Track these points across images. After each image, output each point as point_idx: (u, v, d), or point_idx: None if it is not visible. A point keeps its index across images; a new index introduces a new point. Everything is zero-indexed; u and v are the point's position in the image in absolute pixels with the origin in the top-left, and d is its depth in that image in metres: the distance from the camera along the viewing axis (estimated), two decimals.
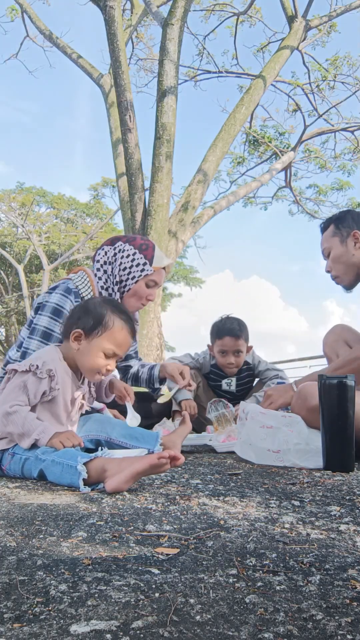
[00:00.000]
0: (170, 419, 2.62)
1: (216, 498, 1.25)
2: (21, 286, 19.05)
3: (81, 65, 10.17)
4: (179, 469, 1.71)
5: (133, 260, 2.24)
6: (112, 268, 2.24)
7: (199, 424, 2.83)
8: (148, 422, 2.42)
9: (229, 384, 2.90)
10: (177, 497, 1.26)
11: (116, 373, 2.63)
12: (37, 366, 1.57)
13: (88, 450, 1.58)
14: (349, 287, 2.30)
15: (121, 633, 0.57)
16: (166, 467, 1.35)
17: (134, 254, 2.24)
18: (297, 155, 11.47)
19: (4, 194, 18.93)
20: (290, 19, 8.98)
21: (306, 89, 10.85)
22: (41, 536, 0.93)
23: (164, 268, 2.32)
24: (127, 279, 2.24)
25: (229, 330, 2.78)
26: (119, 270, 2.23)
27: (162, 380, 2.49)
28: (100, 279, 2.25)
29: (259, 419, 1.83)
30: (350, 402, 1.64)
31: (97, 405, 2.07)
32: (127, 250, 2.25)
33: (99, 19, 7.00)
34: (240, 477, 1.54)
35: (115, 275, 2.23)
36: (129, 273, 2.23)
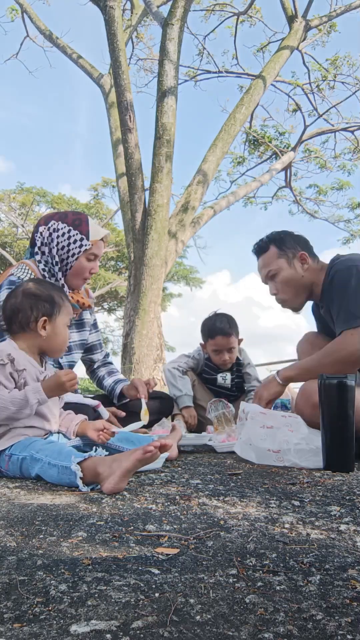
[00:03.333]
0: (170, 420, 2.63)
1: (216, 498, 1.25)
2: None
3: (81, 65, 10.17)
4: (179, 469, 1.71)
5: (69, 237, 2.21)
6: (50, 249, 2.22)
7: (199, 424, 2.83)
8: (151, 418, 2.43)
9: (224, 377, 2.92)
10: (177, 497, 1.26)
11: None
12: None
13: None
14: (297, 309, 2.28)
15: (121, 633, 0.57)
16: (154, 457, 1.39)
17: (69, 231, 2.22)
18: (297, 155, 11.47)
19: (4, 194, 18.95)
20: (290, 19, 8.98)
21: (306, 89, 10.85)
22: (41, 536, 0.93)
23: (102, 239, 2.29)
24: (67, 257, 2.22)
25: (220, 330, 2.80)
26: (57, 250, 2.21)
27: (120, 398, 2.49)
28: (40, 262, 2.22)
29: (259, 419, 1.83)
30: (350, 402, 1.64)
31: (92, 402, 2.07)
32: (62, 228, 2.23)
33: (99, 19, 7.01)
34: (240, 477, 1.54)
35: (54, 255, 2.21)
36: (68, 251, 2.21)
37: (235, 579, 0.74)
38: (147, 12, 9.84)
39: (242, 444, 1.88)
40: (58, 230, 2.23)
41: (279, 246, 2.22)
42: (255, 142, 12.17)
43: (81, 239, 2.22)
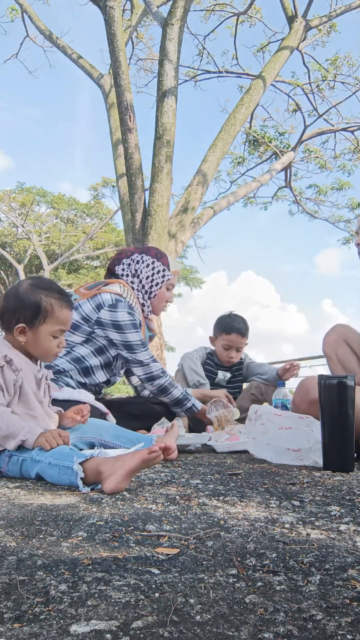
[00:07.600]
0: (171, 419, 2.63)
1: (216, 498, 1.25)
2: None
3: (81, 65, 10.16)
4: (179, 469, 1.71)
5: (153, 268, 2.52)
6: (139, 279, 2.51)
7: (199, 424, 2.84)
8: (151, 422, 2.43)
9: (225, 375, 3.07)
10: (177, 497, 1.26)
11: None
12: None
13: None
14: None
15: (121, 633, 0.57)
16: (159, 458, 1.37)
17: (153, 262, 2.52)
18: (297, 155, 11.47)
19: (4, 194, 18.95)
20: (290, 19, 8.97)
21: (306, 89, 10.85)
22: (41, 536, 0.93)
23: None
24: (152, 286, 2.52)
25: (237, 328, 2.99)
26: (144, 279, 2.51)
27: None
28: (134, 290, 2.52)
29: (275, 421, 1.82)
30: (350, 402, 1.64)
31: (103, 408, 2.07)
32: (146, 260, 2.53)
33: (99, 19, 7.01)
34: (240, 477, 1.54)
35: (143, 285, 2.51)
36: (152, 280, 2.52)
37: (235, 579, 0.74)
38: (147, 12, 9.83)
39: (257, 444, 1.87)
40: (143, 262, 2.53)
41: None
42: (255, 142, 12.16)
43: (164, 270, 2.55)
